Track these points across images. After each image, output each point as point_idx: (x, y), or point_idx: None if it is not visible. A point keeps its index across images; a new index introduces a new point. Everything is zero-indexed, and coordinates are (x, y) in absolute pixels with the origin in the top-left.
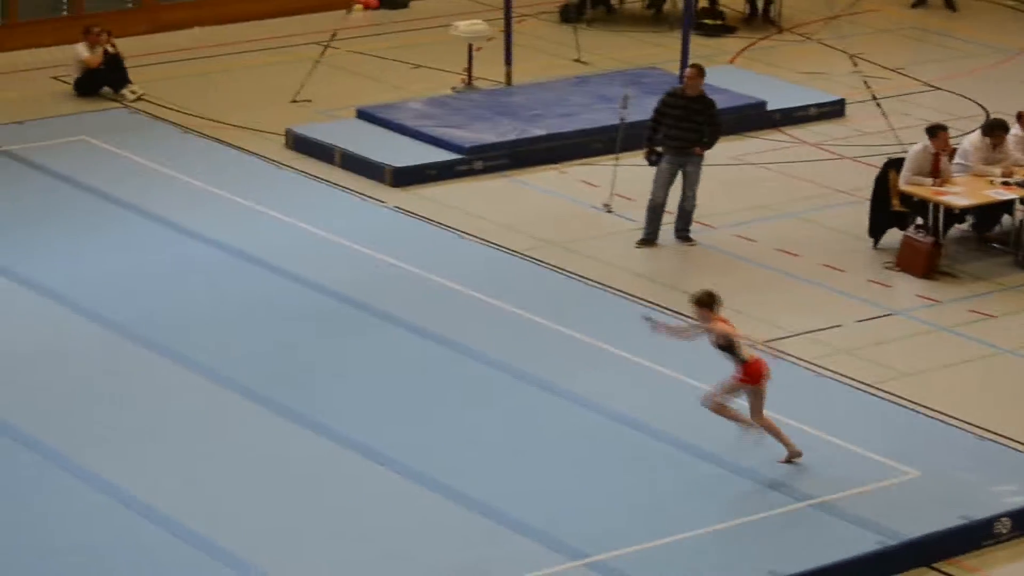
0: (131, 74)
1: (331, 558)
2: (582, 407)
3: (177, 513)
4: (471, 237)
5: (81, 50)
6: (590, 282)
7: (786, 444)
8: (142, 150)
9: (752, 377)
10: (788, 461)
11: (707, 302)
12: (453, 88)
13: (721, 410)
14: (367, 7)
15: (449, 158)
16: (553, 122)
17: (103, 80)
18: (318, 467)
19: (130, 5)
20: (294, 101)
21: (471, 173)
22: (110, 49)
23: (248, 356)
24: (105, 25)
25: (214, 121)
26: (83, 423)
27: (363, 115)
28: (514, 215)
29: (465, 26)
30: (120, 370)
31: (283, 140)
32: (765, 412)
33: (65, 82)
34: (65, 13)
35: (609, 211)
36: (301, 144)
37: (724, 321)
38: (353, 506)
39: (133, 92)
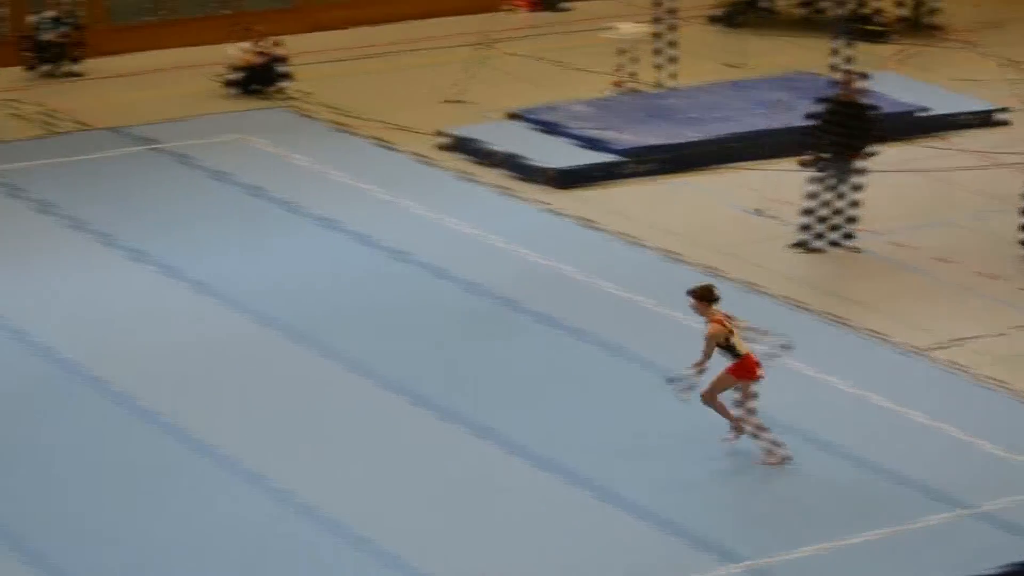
0: (289, 73)
1: (492, 560)
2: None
3: (335, 511)
4: (627, 239)
5: (235, 48)
6: (747, 286)
7: (769, 447)
8: (296, 148)
9: (743, 372)
10: (767, 463)
11: (705, 296)
12: (609, 90)
13: (715, 405)
14: (525, 9)
15: (607, 160)
16: (711, 126)
17: (257, 79)
18: (479, 469)
19: (286, 5)
20: (449, 101)
21: (629, 175)
22: (268, 48)
23: (401, 354)
24: (261, 25)
25: (368, 120)
26: (238, 420)
27: (520, 116)
28: (671, 218)
29: (621, 29)
30: (274, 366)
31: (438, 140)
32: (754, 412)
33: (221, 80)
34: (221, 12)
35: (765, 215)
36: (457, 144)
37: (720, 320)
38: (512, 509)
39: (288, 91)
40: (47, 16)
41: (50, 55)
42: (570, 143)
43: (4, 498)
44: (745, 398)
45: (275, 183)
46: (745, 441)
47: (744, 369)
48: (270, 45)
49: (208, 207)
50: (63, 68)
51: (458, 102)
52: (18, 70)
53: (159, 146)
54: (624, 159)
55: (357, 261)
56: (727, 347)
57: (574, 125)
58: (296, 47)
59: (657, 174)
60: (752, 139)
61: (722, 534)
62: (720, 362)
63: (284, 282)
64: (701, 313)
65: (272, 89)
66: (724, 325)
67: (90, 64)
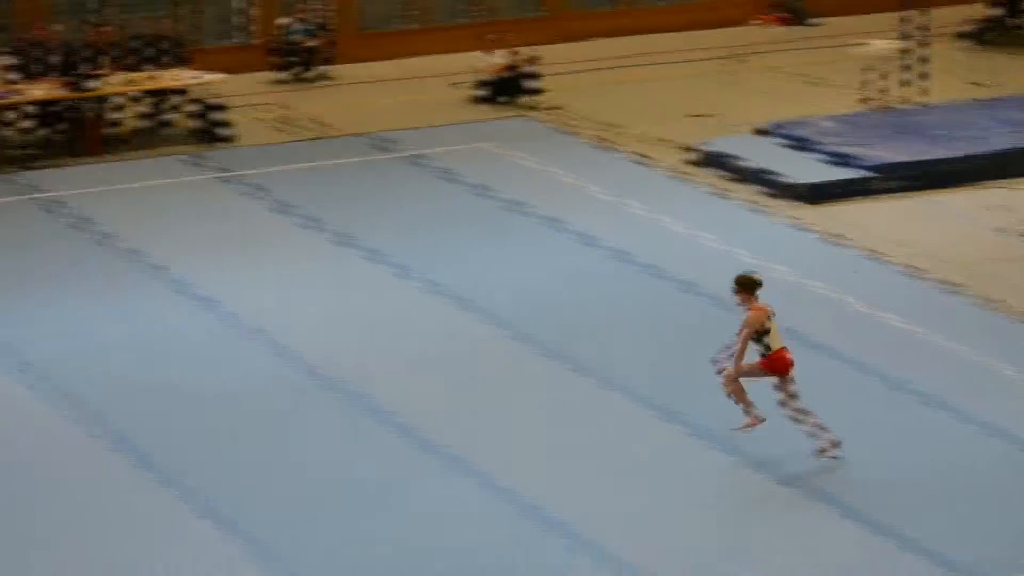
0: (539, 83)
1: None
2: (985, 431)
3: (560, 511)
4: (875, 255)
5: (486, 57)
6: (998, 308)
7: (819, 436)
8: (541, 158)
9: (774, 367)
10: (821, 455)
11: (748, 285)
12: (856, 106)
13: (738, 393)
14: (775, 24)
15: (855, 176)
16: (959, 144)
17: (506, 88)
18: (714, 479)
19: (539, 14)
20: (697, 115)
21: (877, 192)
22: (518, 58)
23: (638, 364)
24: (514, 33)
25: (615, 131)
26: (472, 423)
27: (767, 131)
28: (919, 235)
29: (871, 45)
30: (519, 373)
31: (685, 153)
32: (801, 403)
33: (471, 88)
34: (471, 20)
35: (1014, 235)
36: (704, 157)
37: (761, 310)
38: (738, 518)
39: (536, 101)
40: (296, 22)
41: (299, 61)
42: (818, 158)
43: (258, 510)
44: (786, 393)
45: (520, 192)
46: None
47: (775, 364)
48: (520, 55)
49: (453, 214)
50: (312, 74)
51: (705, 115)
52: (266, 75)
53: (405, 153)
54: (873, 175)
55: (600, 270)
56: (760, 338)
57: (822, 140)
58: (546, 56)
59: (905, 191)
60: (1000, 158)
61: (960, 552)
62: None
63: (526, 290)
64: (743, 302)
65: (520, 99)
66: (764, 315)
67: (338, 70)
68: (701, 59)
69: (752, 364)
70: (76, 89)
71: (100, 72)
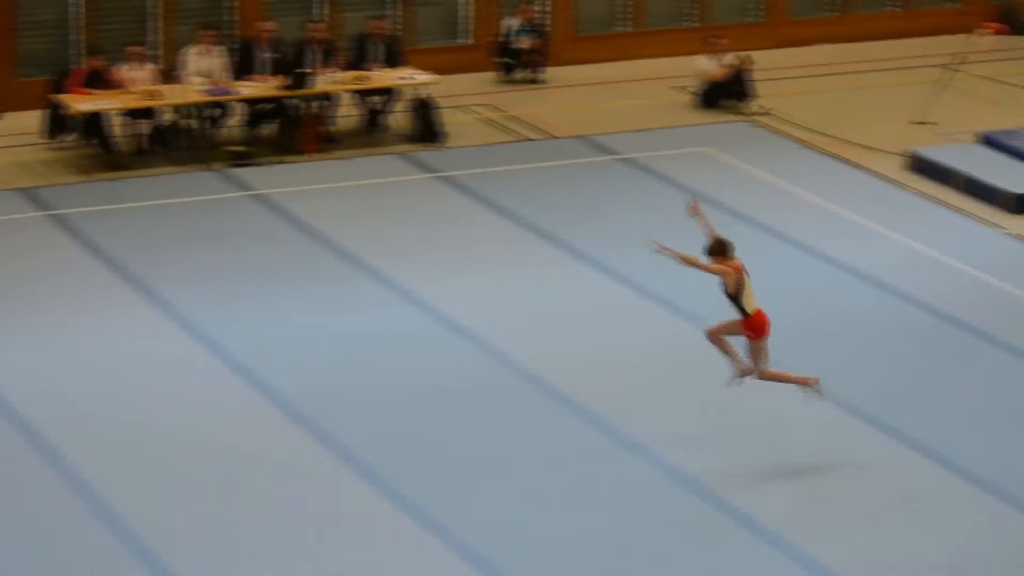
0: (756, 88)
1: None
2: None
3: (776, 524)
4: None
5: (703, 61)
6: None
7: (795, 380)
8: (760, 163)
9: (753, 331)
10: (742, 377)
11: (719, 250)
12: None
13: (719, 343)
14: (994, 32)
15: None
16: None
17: (726, 92)
18: (926, 488)
19: (758, 19)
20: (914, 122)
21: None
22: (736, 62)
23: (851, 375)
24: (731, 38)
25: (833, 138)
26: (683, 428)
27: (987, 140)
28: None
29: None
30: (717, 375)
31: (900, 160)
32: (768, 365)
33: (688, 92)
34: (688, 25)
35: None
36: (922, 166)
37: (737, 268)
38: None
39: (759, 106)
40: (516, 23)
41: (517, 62)
42: None
43: (465, 511)
44: (755, 357)
45: (737, 197)
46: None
47: (752, 327)
48: (739, 59)
49: (669, 218)
50: (528, 75)
51: (923, 123)
52: (485, 75)
53: (621, 156)
54: None
55: (811, 276)
56: (735, 298)
57: None
58: (767, 62)
59: None
60: None
61: None
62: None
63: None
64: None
65: (739, 103)
66: (739, 273)
67: (554, 72)
68: (917, 67)
69: (733, 322)
70: (294, 87)
71: (317, 70)
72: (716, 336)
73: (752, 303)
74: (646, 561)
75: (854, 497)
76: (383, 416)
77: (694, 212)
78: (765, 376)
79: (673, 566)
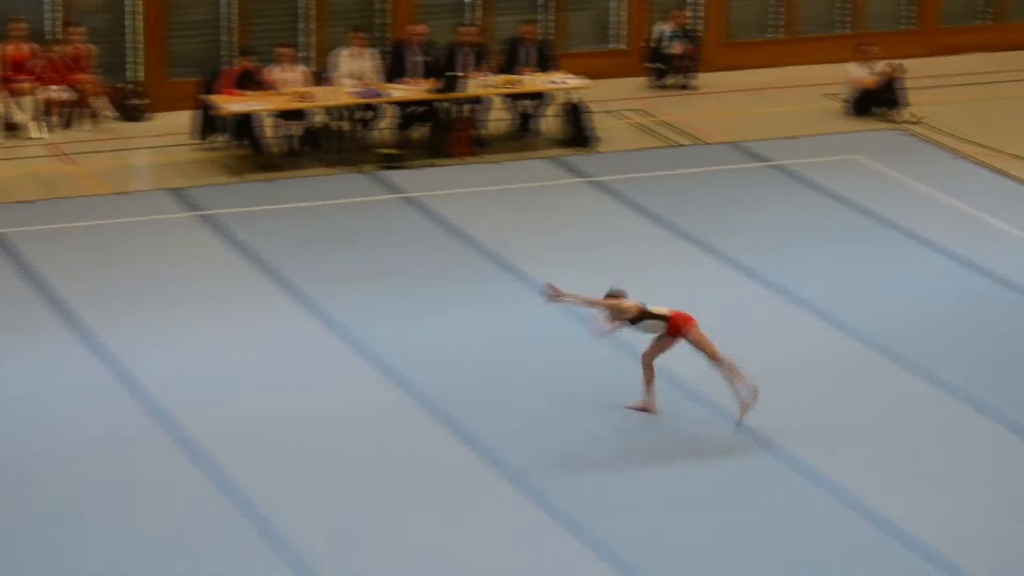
0: (907, 96)
1: None
2: None
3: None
4: None
5: (854, 69)
6: None
7: (648, 396)
8: (911, 172)
9: (680, 326)
10: (640, 409)
11: (616, 294)
12: None
13: (648, 371)
14: None
15: None
16: None
17: (877, 100)
18: None
19: (911, 26)
20: None
21: None
22: (888, 70)
23: (1000, 382)
24: (883, 46)
25: (987, 148)
26: (842, 446)
27: None
28: None
29: None
30: (878, 390)
31: None
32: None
33: (839, 100)
34: (840, 32)
35: None
36: None
37: (632, 304)
38: None
39: (910, 115)
40: (668, 28)
41: (668, 67)
42: None
43: (608, 513)
44: (707, 351)
45: (886, 205)
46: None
47: (677, 323)
48: (890, 67)
49: (818, 226)
50: (679, 81)
51: None
52: (636, 80)
53: (771, 163)
54: None
55: (964, 287)
56: (644, 315)
57: None
58: (920, 70)
59: None
60: None
61: None
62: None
63: (883, 304)
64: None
65: (890, 111)
66: (636, 304)
67: (705, 78)
68: None
69: (662, 338)
70: (445, 90)
71: (468, 74)
72: (648, 362)
73: (662, 310)
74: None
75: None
76: (524, 417)
77: (554, 297)
78: (722, 366)
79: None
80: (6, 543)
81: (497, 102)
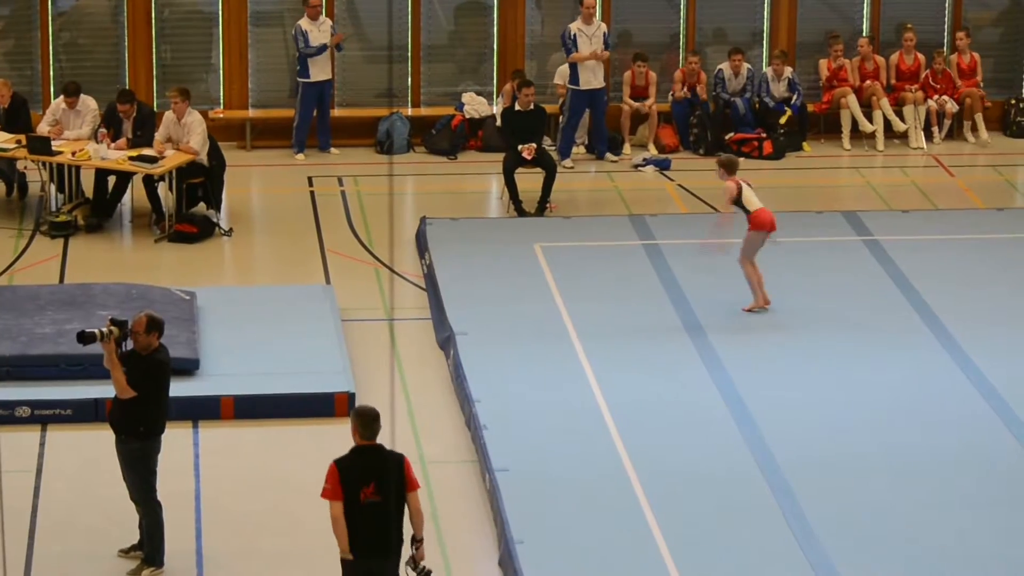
0: None
1: None
2: None
3: None
4: None
5: None
6: None
7: (757, 294)
8: None
9: (755, 224)
10: (751, 310)
11: (729, 165)
12: None
13: (745, 268)
14: None
15: None
16: None
17: None
18: None
19: None
20: None
21: None
22: None
23: None
24: None
25: None
26: None
27: None
28: None
29: None
30: None
31: None
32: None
33: None
34: None
35: None
36: None
37: (737, 182)
38: None
39: None
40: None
41: None
42: None
43: None
44: (751, 246)
45: None
46: None
47: (758, 219)
48: None
49: None
50: None
51: None
52: None
53: None
54: None
55: None
56: (739, 203)
57: None
58: None
59: None
60: None
61: None
62: None
63: None
64: (721, 178)
65: None
66: (738, 185)
67: None
68: None
69: (746, 237)
70: None
71: None
72: (743, 261)
73: (753, 204)
74: None
75: None
76: None
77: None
78: (743, 264)
79: None
80: None
81: None
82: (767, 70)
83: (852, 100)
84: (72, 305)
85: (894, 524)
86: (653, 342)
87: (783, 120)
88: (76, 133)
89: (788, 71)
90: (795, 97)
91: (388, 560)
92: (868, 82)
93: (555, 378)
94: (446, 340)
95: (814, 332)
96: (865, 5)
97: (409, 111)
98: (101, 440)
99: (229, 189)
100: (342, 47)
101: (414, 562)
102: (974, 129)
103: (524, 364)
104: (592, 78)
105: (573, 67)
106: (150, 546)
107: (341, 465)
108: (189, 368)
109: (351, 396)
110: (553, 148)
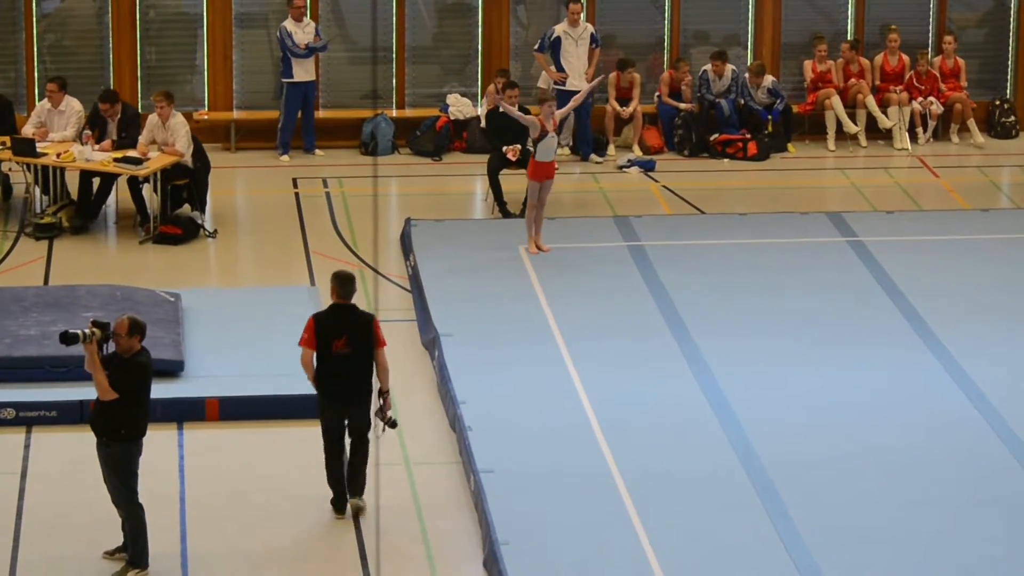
0: None
1: None
2: None
3: None
4: None
5: None
6: None
7: (533, 240)
8: None
9: (536, 173)
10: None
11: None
12: None
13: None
14: None
15: None
16: None
17: None
18: None
19: None
20: None
21: None
22: None
23: None
24: None
25: None
26: None
27: None
28: None
29: None
30: None
31: None
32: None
33: None
34: None
35: None
36: None
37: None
38: None
39: None
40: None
41: None
42: None
43: None
44: (536, 199)
45: None
46: None
47: (536, 170)
48: None
49: None
50: None
51: None
52: None
53: None
54: None
55: None
56: (536, 143)
57: None
58: None
59: None
60: None
61: None
62: None
63: None
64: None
65: None
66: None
67: None
68: None
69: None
70: None
71: None
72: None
73: (544, 155)
74: None
75: None
76: None
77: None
78: (530, 215)
79: None
80: None
81: None
82: (746, 76)
83: (836, 101)
84: (57, 307)
85: (879, 524)
86: (638, 343)
87: (768, 129)
88: (61, 135)
89: (768, 79)
90: (777, 102)
91: (358, 405)
92: (852, 80)
93: (540, 379)
94: (431, 341)
95: (799, 332)
96: (849, 6)
97: (394, 112)
98: (86, 442)
99: (214, 191)
100: (326, 47)
101: (382, 412)
102: (963, 131)
103: (509, 365)
104: (576, 80)
105: (558, 68)
106: (134, 548)
107: (318, 319)
108: (174, 370)
109: None
110: None
